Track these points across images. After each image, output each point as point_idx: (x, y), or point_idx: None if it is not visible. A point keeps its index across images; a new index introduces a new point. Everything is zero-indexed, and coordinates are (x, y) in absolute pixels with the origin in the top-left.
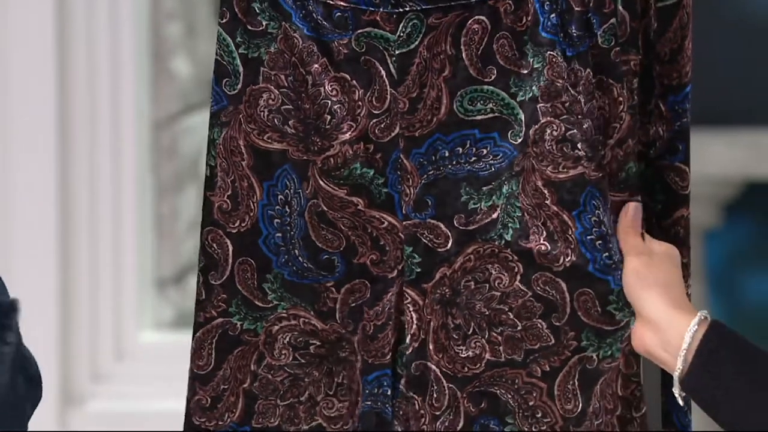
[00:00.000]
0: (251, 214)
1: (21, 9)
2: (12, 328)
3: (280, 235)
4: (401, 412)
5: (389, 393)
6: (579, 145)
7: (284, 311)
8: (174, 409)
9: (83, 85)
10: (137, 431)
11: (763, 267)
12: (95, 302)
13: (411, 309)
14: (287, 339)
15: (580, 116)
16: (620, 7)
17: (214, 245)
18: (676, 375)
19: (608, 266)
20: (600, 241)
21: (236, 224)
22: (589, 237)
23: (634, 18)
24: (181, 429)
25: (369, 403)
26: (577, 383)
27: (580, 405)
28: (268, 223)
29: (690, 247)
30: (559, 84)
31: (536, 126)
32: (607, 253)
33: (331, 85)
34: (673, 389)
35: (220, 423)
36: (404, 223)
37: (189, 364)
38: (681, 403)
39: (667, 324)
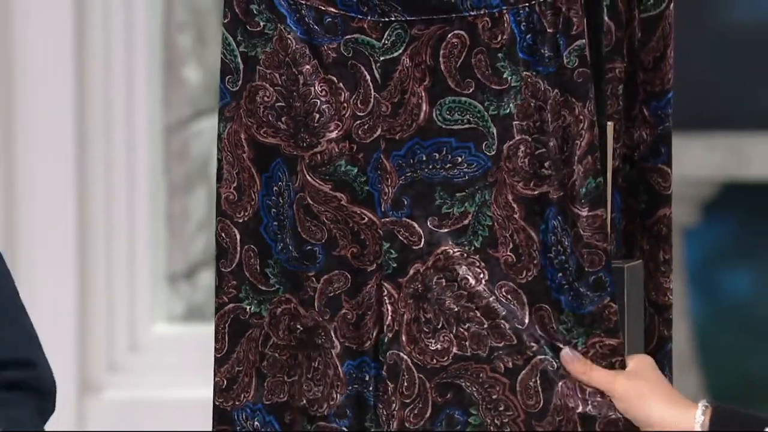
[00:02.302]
0: (253, 203)
1: (42, 22)
2: None
3: (276, 223)
4: (384, 396)
5: (368, 378)
6: (546, 164)
7: (283, 295)
8: (185, 396)
9: (100, 91)
10: (151, 418)
11: (739, 263)
12: (111, 296)
13: (387, 301)
14: (287, 321)
15: (548, 135)
16: (606, 18)
17: (223, 234)
18: None
19: (561, 286)
20: (557, 260)
21: (241, 214)
22: (548, 255)
23: (619, 28)
24: (192, 415)
25: (356, 386)
26: (539, 382)
27: (542, 401)
28: (267, 212)
29: (672, 244)
30: (533, 103)
31: (510, 142)
32: (561, 273)
33: (320, 86)
34: None
35: (237, 403)
36: (383, 219)
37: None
38: None
39: (675, 424)
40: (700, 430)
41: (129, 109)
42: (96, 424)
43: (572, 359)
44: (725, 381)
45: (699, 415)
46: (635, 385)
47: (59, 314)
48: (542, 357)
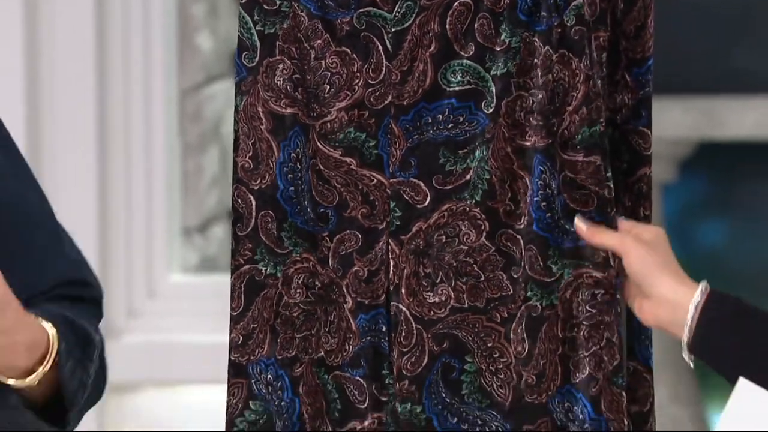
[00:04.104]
0: (270, 172)
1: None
2: (93, 361)
3: (293, 188)
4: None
5: (384, 329)
6: (534, 116)
7: (298, 255)
8: (198, 340)
9: (119, 58)
10: (166, 360)
11: (713, 216)
12: (130, 248)
13: (390, 257)
14: (301, 279)
15: (537, 88)
16: None
17: (239, 200)
18: (683, 342)
19: (549, 225)
20: (544, 203)
21: (258, 181)
22: (535, 199)
23: None
24: (204, 357)
25: (369, 338)
26: (524, 329)
27: (527, 347)
28: (284, 178)
29: (651, 200)
30: (529, 61)
31: (509, 98)
32: (549, 213)
33: (331, 59)
34: (683, 354)
35: (252, 358)
36: (390, 180)
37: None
38: (691, 366)
39: (675, 300)
40: (692, 311)
41: (146, 74)
42: (116, 365)
43: (584, 225)
44: None
45: (696, 296)
46: (645, 255)
47: None
48: (527, 304)
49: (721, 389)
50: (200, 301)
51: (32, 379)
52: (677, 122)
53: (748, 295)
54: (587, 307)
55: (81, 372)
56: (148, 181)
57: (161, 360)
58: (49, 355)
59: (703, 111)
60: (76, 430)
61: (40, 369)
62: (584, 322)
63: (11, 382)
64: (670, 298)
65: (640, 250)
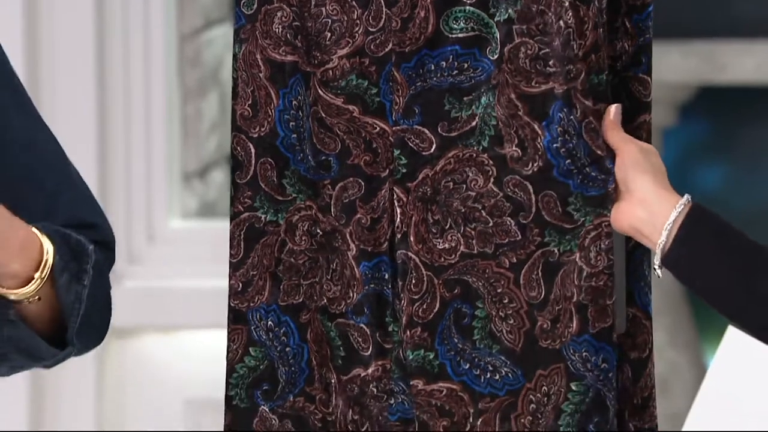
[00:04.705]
0: (270, 119)
1: None
2: (87, 272)
3: (295, 135)
4: (401, 293)
5: (386, 277)
6: (550, 63)
7: (302, 203)
8: (197, 285)
9: (118, 2)
10: (166, 304)
11: (712, 160)
12: (130, 193)
13: (397, 204)
14: (305, 227)
15: (552, 35)
16: None
17: (239, 148)
18: (658, 248)
19: (570, 171)
20: (564, 149)
21: (257, 129)
22: (554, 145)
23: None
24: (203, 302)
25: (372, 285)
26: (540, 273)
27: (543, 292)
28: (285, 126)
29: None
30: (534, 8)
31: (511, 45)
32: (569, 159)
33: (331, 6)
34: (654, 261)
35: (251, 304)
36: (394, 128)
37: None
38: (659, 275)
39: (657, 203)
40: (674, 216)
41: (146, 19)
42: (116, 310)
43: (613, 114)
44: None
45: (680, 204)
46: (640, 158)
47: None
48: (543, 250)
49: (718, 334)
50: (200, 247)
51: (29, 289)
52: (677, 66)
53: None
54: (610, 255)
55: (77, 284)
56: (147, 127)
57: (161, 305)
58: (44, 263)
59: (703, 55)
60: (75, 375)
61: (37, 274)
62: (605, 271)
63: (11, 295)
64: (652, 200)
65: (636, 152)
